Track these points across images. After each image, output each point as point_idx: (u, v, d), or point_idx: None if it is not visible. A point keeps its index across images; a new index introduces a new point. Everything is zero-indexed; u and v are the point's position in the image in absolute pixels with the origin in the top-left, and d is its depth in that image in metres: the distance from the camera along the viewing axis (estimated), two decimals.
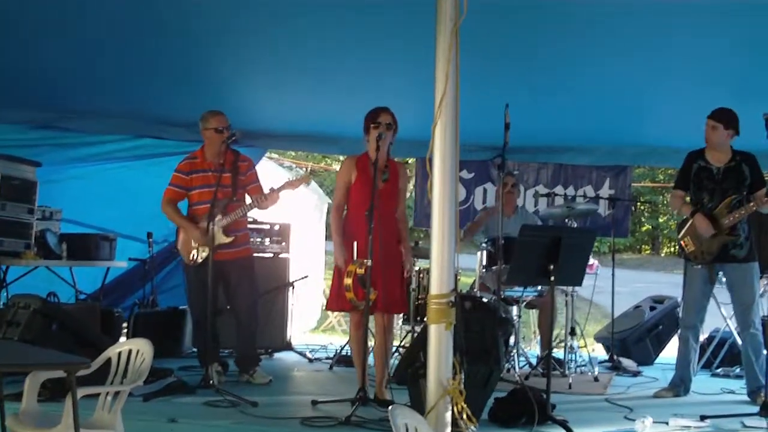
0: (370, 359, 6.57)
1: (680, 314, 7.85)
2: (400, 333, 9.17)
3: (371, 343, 6.78)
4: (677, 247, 8.42)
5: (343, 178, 6.61)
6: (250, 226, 8.12)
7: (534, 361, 8.30)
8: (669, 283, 18.79)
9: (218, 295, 7.25)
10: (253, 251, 7.74)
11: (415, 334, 8.10)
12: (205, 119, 7.24)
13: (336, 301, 6.51)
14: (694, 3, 5.74)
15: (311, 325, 13.55)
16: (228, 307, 7.57)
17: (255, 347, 7.69)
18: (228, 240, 7.12)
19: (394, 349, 7.57)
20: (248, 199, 7.29)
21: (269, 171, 11.47)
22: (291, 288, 9.47)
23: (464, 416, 4.57)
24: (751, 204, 6.77)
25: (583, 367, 8.28)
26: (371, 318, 6.44)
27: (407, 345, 8.35)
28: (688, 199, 7.28)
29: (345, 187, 6.59)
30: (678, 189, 7.35)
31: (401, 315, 8.48)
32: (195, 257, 7.16)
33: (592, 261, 28.16)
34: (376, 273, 6.06)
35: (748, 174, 6.93)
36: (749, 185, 6.93)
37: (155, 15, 6.39)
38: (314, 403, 6.35)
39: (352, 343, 6.76)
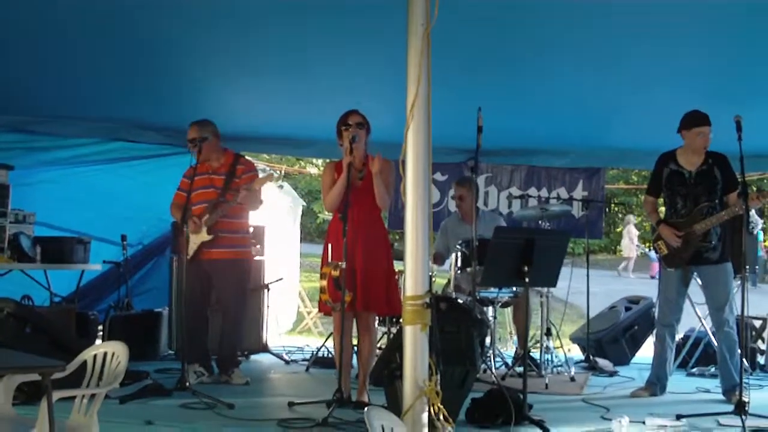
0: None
1: (656, 314, 7.90)
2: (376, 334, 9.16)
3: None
4: (652, 248, 8.47)
5: (327, 184, 6.52)
6: None
7: (510, 362, 8.33)
8: (644, 284, 18.94)
9: (207, 294, 7.53)
10: (244, 254, 7.69)
11: (391, 336, 8.11)
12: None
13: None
14: (665, 7, 5.79)
15: (287, 327, 13.51)
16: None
17: (236, 348, 7.78)
18: (209, 238, 7.25)
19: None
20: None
21: None
22: (266, 290, 9.48)
23: (441, 417, 4.57)
24: (723, 213, 6.81)
25: (559, 368, 8.31)
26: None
27: (383, 346, 8.36)
28: (661, 201, 7.34)
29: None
30: (649, 195, 7.40)
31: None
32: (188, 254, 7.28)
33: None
34: (355, 272, 6.10)
35: (720, 177, 6.95)
36: (722, 188, 6.97)
37: (127, 19, 6.36)
38: (291, 404, 6.33)
39: (334, 344, 6.72)
